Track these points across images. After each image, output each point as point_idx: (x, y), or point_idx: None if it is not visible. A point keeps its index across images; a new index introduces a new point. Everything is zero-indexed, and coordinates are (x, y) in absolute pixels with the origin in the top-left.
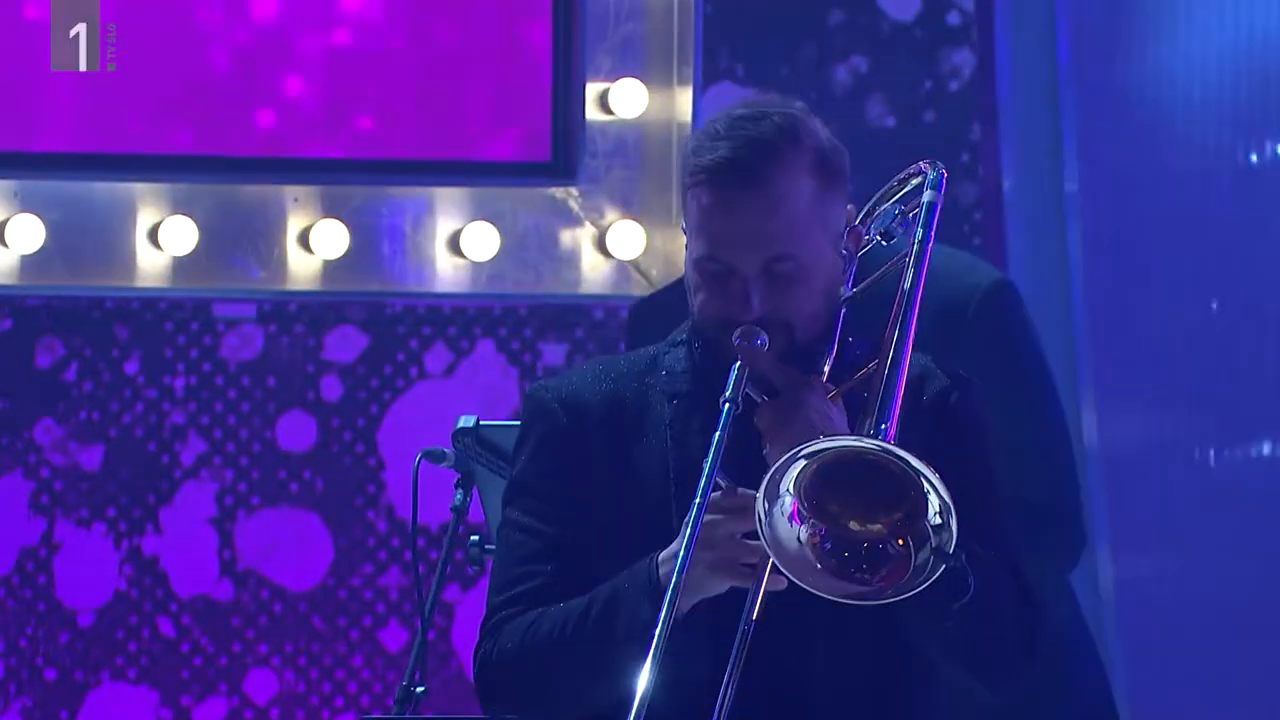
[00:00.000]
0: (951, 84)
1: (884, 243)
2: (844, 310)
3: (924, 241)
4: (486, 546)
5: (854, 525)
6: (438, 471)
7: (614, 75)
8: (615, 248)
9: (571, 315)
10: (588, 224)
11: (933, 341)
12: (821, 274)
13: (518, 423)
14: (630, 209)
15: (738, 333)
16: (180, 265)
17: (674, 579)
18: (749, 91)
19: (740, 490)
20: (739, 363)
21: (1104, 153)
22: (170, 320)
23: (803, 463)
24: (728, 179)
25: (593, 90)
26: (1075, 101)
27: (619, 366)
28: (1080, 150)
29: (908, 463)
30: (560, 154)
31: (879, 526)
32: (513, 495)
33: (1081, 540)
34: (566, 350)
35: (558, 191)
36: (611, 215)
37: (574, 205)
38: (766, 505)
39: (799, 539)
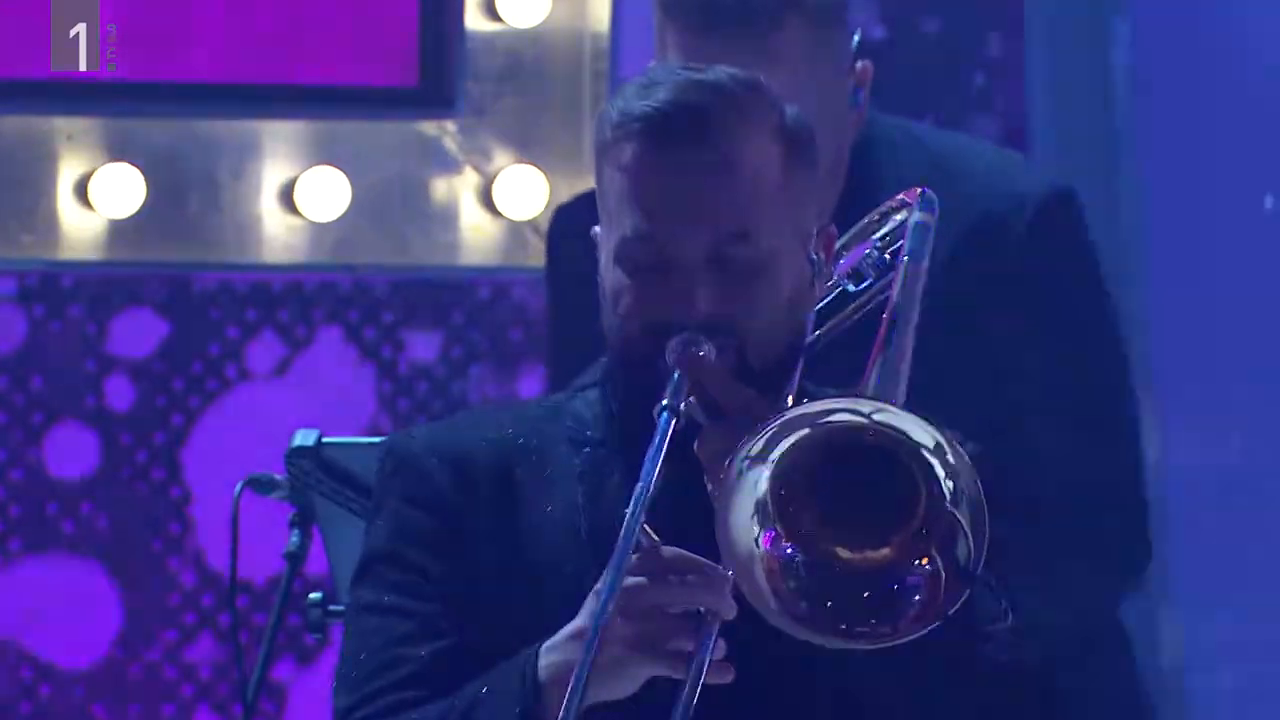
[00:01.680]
0: None
1: (851, 287)
2: (802, 360)
3: (913, 259)
4: (331, 607)
5: (845, 554)
6: (265, 505)
7: None
8: (505, 202)
9: (447, 294)
10: (469, 170)
11: (963, 267)
12: (786, 273)
13: (372, 439)
14: (526, 150)
15: (674, 341)
16: None
17: (580, 664)
18: None
19: (675, 552)
20: (678, 372)
21: (1172, 77)
22: None
23: (805, 431)
24: (666, 127)
25: None
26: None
27: (507, 413)
28: (1138, 77)
29: (924, 431)
30: (431, 76)
31: (887, 551)
32: (367, 570)
33: (1144, 548)
34: (440, 340)
35: (428, 126)
36: (501, 159)
37: (450, 145)
38: (743, 467)
39: (755, 543)
